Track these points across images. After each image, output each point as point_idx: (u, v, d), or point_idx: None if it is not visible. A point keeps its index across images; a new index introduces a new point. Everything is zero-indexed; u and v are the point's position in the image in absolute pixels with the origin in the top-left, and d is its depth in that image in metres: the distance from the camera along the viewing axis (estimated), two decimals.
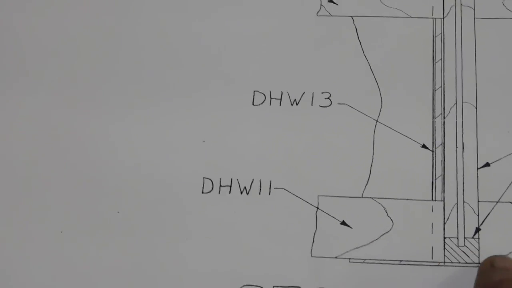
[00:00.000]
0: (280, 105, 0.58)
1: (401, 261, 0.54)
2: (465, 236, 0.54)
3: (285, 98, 0.58)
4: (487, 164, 0.55)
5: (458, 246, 0.54)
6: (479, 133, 0.56)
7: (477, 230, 0.54)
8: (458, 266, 0.53)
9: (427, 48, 0.59)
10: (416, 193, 0.55)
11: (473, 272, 0.52)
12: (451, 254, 0.53)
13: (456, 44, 0.58)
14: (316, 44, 0.59)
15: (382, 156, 0.56)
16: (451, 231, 0.54)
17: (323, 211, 0.55)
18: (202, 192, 0.56)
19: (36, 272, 0.55)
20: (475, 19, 0.59)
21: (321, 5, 0.61)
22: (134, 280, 0.54)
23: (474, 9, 0.59)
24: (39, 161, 0.58)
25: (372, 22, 0.60)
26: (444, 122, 0.57)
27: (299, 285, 0.54)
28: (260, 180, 0.56)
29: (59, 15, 0.62)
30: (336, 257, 0.54)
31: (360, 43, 0.59)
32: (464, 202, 0.55)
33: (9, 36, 0.62)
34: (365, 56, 0.59)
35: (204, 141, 0.57)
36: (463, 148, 0.56)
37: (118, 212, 0.56)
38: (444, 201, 0.55)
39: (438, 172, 0.55)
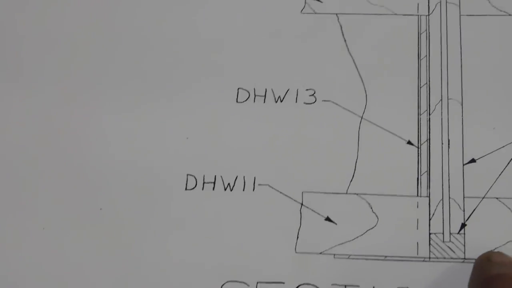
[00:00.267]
0: (264, 102, 0.58)
1: (386, 256, 0.53)
2: (451, 232, 0.53)
3: (269, 95, 0.58)
4: (473, 160, 0.55)
5: (443, 241, 0.53)
6: (464, 129, 0.56)
7: (463, 225, 0.54)
8: (443, 261, 0.53)
9: (412, 45, 0.59)
10: (402, 189, 0.55)
11: (459, 267, 0.52)
12: (436, 249, 0.53)
13: (441, 41, 0.58)
14: (300, 41, 0.59)
15: (367, 152, 0.56)
16: (436, 226, 0.54)
17: (307, 207, 0.55)
18: (186, 189, 0.56)
19: (18, 269, 0.54)
20: (461, 16, 0.59)
21: (305, 2, 0.61)
22: (117, 277, 0.54)
23: (459, 6, 0.59)
24: (20, 157, 0.58)
25: (356, 19, 0.60)
26: (429, 118, 0.56)
27: (284, 281, 0.53)
28: (244, 176, 0.56)
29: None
30: (320, 253, 0.54)
31: (344, 40, 0.59)
32: (449, 198, 0.54)
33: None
34: (350, 53, 0.59)
35: (187, 138, 0.57)
36: (448, 144, 0.56)
37: (100, 209, 0.56)
38: (429, 197, 0.54)
39: (424, 168, 0.55)
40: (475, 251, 0.52)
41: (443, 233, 0.53)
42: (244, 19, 0.61)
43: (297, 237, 0.54)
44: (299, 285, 0.53)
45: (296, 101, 0.58)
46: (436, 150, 0.56)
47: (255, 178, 0.56)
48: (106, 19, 0.62)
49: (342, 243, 0.54)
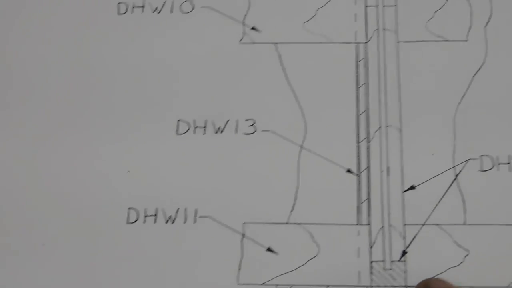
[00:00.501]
0: (204, 133, 0.58)
1: (328, 286, 0.53)
2: (392, 260, 0.54)
3: (209, 126, 0.58)
4: (412, 187, 0.55)
5: (385, 269, 0.54)
6: (404, 156, 0.56)
7: (404, 253, 0.54)
8: None
9: (350, 73, 0.59)
10: (342, 217, 0.55)
11: None
12: (378, 277, 0.53)
13: (379, 68, 0.59)
14: (239, 72, 0.59)
15: (307, 181, 0.56)
16: (377, 254, 0.54)
17: (249, 238, 0.55)
18: (127, 223, 0.56)
19: None
20: (398, 43, 0.59)
21: (243, 32, 0.61)
22: None
23: (397, 33, 0.59)
24: None
25: (295, 48, 0.60)
26: (369, 146, 0.57)
27: None
28: (185, 208, 0.56)
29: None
30: (263, 284, 0.54)
31: (283, 69, 0.59)
32: (390, 225, 0.55)
33: None
34: (289, 82, 0.59)
35: (128, 171, 0.57)
36: (388, 171, 0.56)
37: (43, 244, 0.56)
38: (370, 225, 0.55)
39: (364, 196, 0.55)
40: (416, 278, 0.53)
41: (384, 261, 0.54)
42: (182, 51, 0.60)
43: (239, 268, 0.54)
44: None
45: (236, 132, 0.58)
46: (375, 178, 0.56)
47: (196, 210, 0.56)
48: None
49: (284, 273, 0.54)
